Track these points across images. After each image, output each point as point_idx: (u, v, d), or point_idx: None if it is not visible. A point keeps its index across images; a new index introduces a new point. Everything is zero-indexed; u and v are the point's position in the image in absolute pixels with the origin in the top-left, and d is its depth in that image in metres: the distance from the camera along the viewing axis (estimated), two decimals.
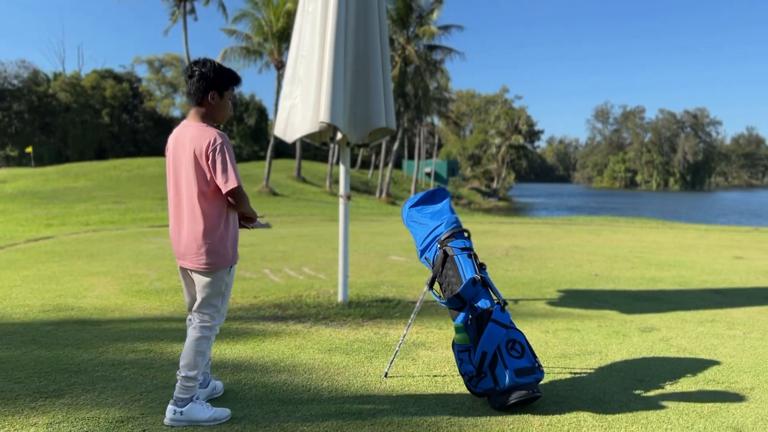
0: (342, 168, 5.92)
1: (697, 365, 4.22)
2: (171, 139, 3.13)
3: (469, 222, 18.90)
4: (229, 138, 3.07)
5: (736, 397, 3.56)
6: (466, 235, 3.84)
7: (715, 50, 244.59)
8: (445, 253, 3.73)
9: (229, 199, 3.04)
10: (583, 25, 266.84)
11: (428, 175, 67.31)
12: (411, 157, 70.04)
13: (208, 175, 2.97)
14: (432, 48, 39.20)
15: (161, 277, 7.29)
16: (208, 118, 3.09)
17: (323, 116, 5.22)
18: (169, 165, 3.13)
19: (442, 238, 3.78)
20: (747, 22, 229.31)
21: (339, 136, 5.68)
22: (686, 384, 3.79)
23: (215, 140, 2.94)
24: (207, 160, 2.94)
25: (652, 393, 3.61)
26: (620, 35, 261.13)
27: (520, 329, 3.55)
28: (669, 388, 3.71)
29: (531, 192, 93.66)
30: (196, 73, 3.02)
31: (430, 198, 4.10)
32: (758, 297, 6.83)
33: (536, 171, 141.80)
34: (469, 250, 3.77)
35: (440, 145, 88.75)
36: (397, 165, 68.11)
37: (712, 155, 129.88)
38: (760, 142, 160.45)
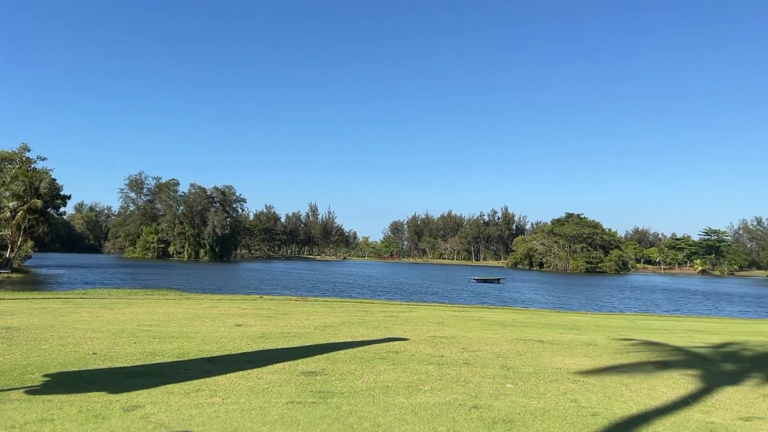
0: None
1: None
2: None
3: None
4: None
5: None
6: None
7: (247, 137, 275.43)
8: None
9: None
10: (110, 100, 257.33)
11: None
12: None
13: None
14: None
15: None
16: None
17: None
18: None
19: None
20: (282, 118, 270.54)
21: None
22: None
23: None
24: None
25: None
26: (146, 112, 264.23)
27: None
28: None
29: (55, 262, 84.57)
30: None
31: None
32: (245, 362, 7.55)
33: (62, 239, 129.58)
34: None
35: None
36: None
37: (238, 229, 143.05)
38: (277, 218, 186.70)
